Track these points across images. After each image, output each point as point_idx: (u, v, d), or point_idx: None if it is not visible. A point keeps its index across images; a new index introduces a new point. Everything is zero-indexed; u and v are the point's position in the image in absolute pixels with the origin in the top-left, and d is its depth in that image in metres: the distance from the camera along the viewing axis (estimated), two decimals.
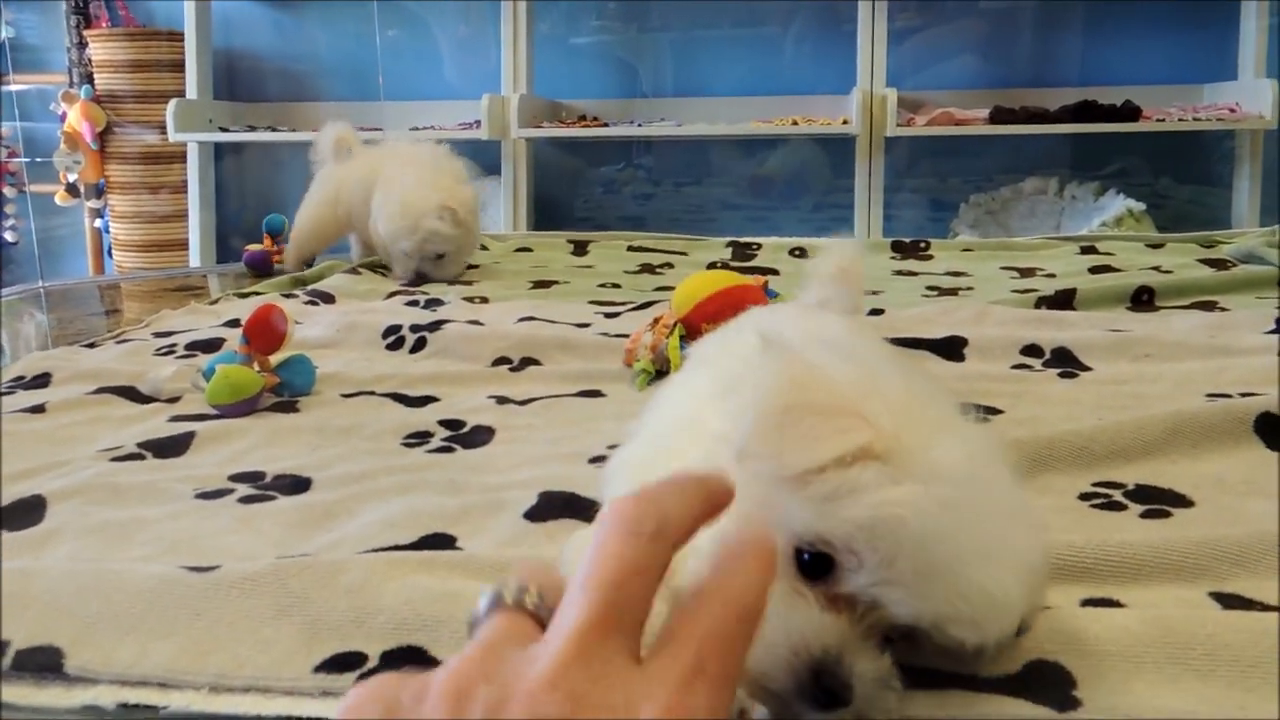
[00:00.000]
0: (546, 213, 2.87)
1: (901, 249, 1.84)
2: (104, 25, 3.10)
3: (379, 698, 0.31)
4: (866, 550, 0.41)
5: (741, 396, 0.46)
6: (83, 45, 3.06)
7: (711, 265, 1.72)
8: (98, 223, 3.14)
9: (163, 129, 2.82)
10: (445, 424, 0.91)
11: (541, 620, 0.32)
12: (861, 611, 0.42)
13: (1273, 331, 1.10)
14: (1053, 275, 1.58)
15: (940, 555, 0.41)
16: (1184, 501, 0.68)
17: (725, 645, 0.31)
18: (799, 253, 1.82)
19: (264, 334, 0.97)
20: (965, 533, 0.41)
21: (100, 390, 1.01)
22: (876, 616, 0.42)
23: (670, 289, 1.25)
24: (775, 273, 1.65)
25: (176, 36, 2.91)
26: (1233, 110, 2.44)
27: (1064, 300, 1.31)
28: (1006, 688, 0.46)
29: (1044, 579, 0.46)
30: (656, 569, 0.32)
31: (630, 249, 1.90)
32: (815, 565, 0.43)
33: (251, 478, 0.78)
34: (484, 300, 1.43)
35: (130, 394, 1.01)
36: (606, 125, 2.76)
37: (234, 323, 1.26)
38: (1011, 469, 0.46)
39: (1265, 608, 0.51)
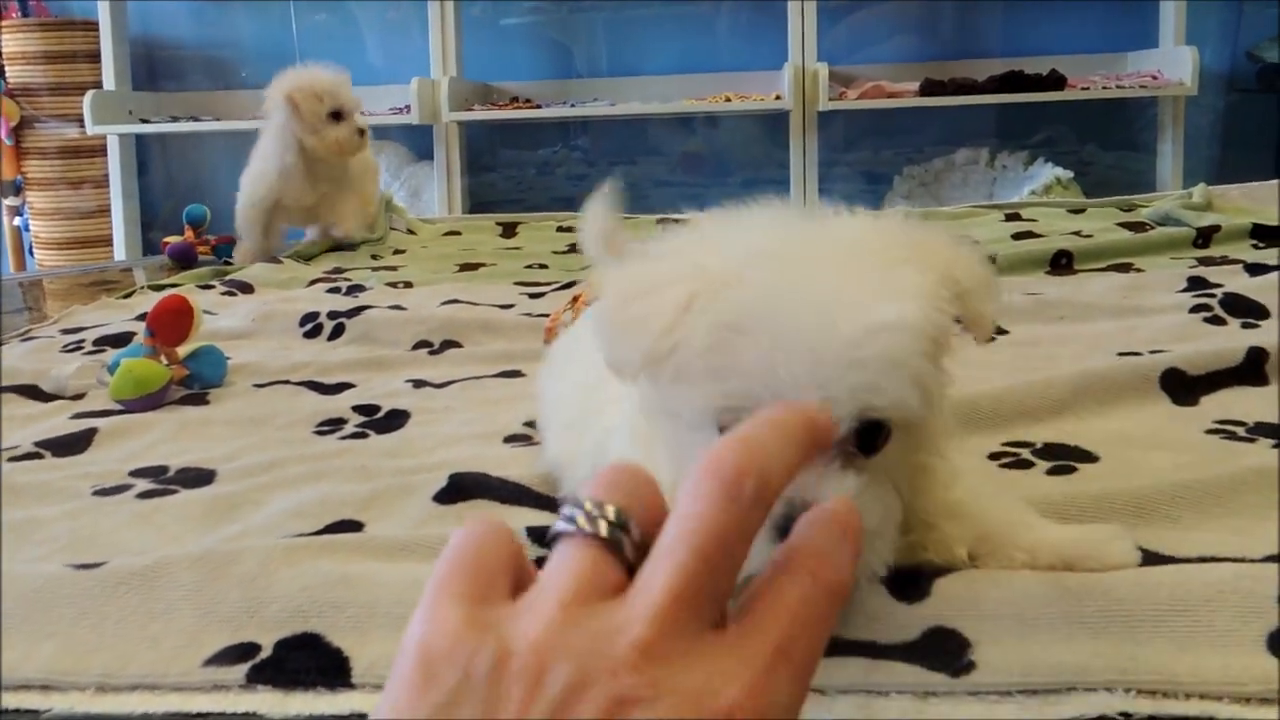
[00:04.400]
0: (480, 196, 2.83)
1: None
2: (14, 15, 2.99)
3: (455, 658, 0.27)
4: (723, 370, 0.42)
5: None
6: None
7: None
8: (17, 221, 3.04)
9: (81, 122, 2.73)
10: (359, 410, 0.89)
11: (623, 553, 0.29)
12: None
13: (1184, 290, 1.12)
14: (976, 243, 1.59)
15: (776, 328, 0.41)
16: (1089, 457, 0.69)
17: (813, 628, 0.29)
18: None
19: (169, 325, 0.94)
20: (799, 303, 0.42)
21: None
22: None
23: None
24: None
25: (92, 26, 2.81)
26: (1155, 78, 2.48)
27: None
28: (903, 654, 0.46)
29: (915, 339, 0.43)
30: (752, 534, 0.29)
31: (560, 229, 1.88)
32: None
33: (153, 472, 0.76)
34: (407, 285, 1.40)
35: (33, 392, 0.98)
36: (539, 107, 2.73)
37: (145, 316, 1.22)
38: (889, 257, 0.46)
39: (1160, 560, 0.52)
